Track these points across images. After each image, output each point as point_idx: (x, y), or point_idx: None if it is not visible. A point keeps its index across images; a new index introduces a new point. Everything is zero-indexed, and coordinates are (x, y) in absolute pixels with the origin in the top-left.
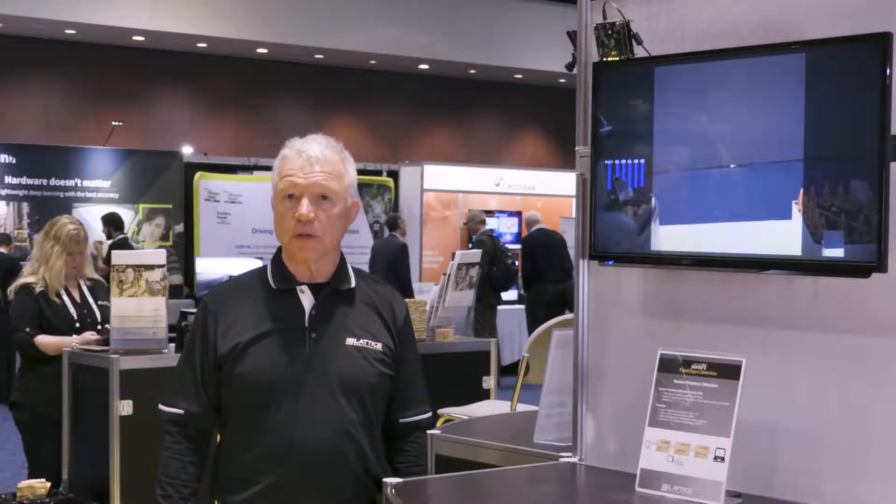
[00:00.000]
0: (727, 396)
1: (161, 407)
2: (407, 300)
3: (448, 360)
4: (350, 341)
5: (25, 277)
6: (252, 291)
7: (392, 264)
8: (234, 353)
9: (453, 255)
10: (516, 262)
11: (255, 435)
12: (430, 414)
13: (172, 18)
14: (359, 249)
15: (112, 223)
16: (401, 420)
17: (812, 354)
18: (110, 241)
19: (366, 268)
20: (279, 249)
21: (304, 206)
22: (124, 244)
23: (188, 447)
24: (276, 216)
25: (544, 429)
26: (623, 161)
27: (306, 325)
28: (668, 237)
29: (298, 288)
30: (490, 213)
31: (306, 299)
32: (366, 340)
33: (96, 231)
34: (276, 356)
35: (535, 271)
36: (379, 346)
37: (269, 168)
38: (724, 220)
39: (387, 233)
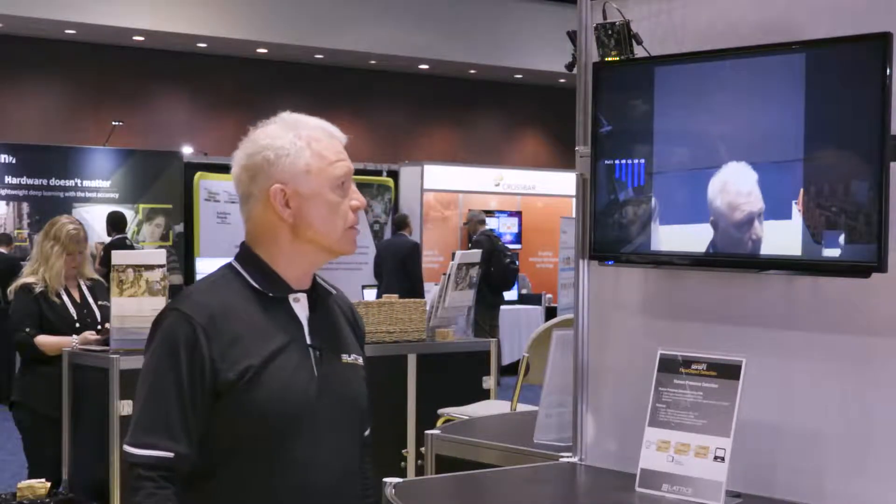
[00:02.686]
0: (727, 396)
1: (134, 451)
2: (408, 300)
3: (448, 360)
4: (345, 358)
5: (25, 277)
6: (238, 301)
7: (404, 264)
8: (245, 380)
9: (453, 255)
10: (515, 262)
11: (264, 477)
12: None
13: (172, 18)
14: (359, 249)
15: (112, 223)
16: None
17: (812, 354)
18: (108, 241)
19: (369, 269)
20: (248, 249)
21: (358, 193)
22: (121, 244)
23: (173, 498)
24: (330, 207)
25: (544, 429)
26: (623, 161)
27: (308, 340)
28: (668, 237)
29: (293, 296)
30: (490, 213)
31: (300, 309)
32: (354, 356)
33: (97, 231)
34: (291, 380)
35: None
36: (360, 360)
37: None
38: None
39: (388, 233)
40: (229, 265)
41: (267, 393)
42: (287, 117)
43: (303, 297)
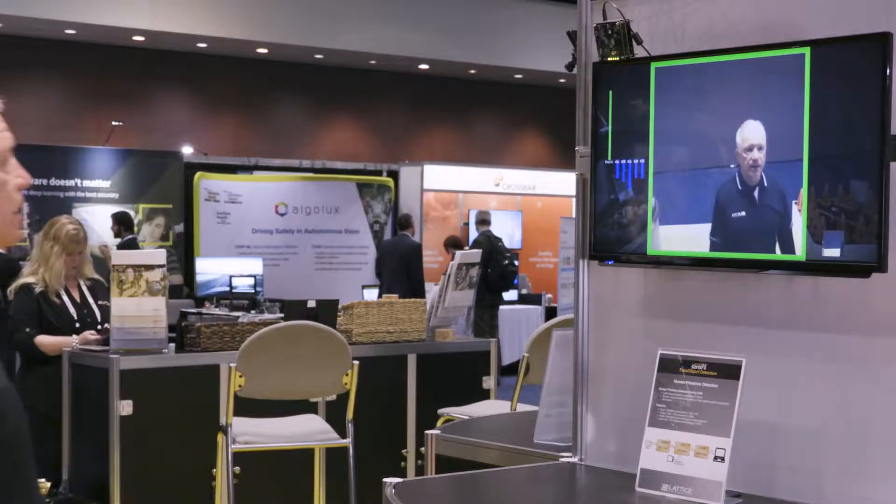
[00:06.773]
0: (727, 396)
1: None
2: (408, 300)
3: (448, 360)
4: None
5: (25, 277)
6: None
7: (406, 265)
8: None
9: (453, 255)
10: (515, 262)
11: None
12: None
13: (172, 18)
14: (358, 249)
15: (123, 223)
16: None
17: (812, 354)
18: (118, 241)
19: (369, 269)
20: None
21: (23, 169)
22: (132, 244)
23: None
24: None
25: (544, 429)
26: (623, 161)
27: None
28: (667, 237)
29: None
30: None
31: None
32: None
33: (96, 231)
34: None
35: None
36: None
37: (269, 168)
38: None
39: (388, 233)
40: None
41: None
42: None
43: None
